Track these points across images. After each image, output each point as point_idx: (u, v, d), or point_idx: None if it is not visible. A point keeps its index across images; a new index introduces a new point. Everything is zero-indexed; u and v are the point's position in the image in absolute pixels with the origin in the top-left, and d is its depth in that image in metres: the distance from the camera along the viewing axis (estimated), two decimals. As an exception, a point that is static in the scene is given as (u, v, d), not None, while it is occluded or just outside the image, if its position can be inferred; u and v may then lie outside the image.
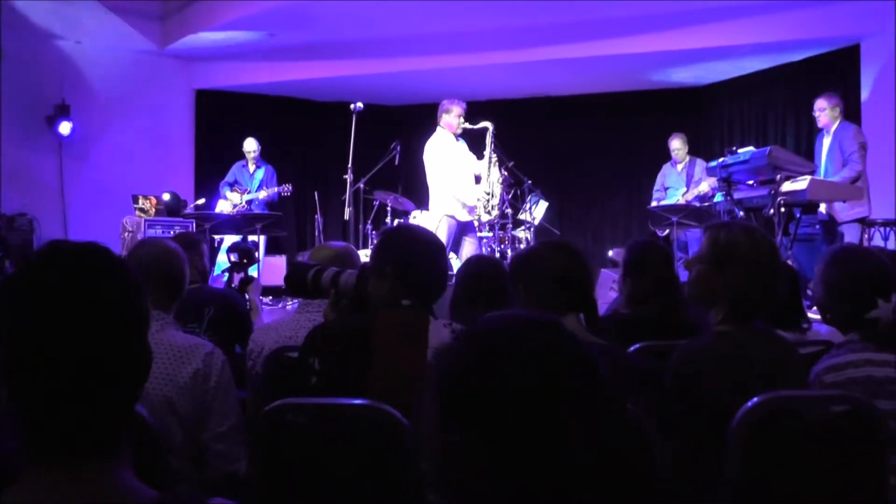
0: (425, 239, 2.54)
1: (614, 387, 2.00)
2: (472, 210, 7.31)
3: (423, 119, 12.43)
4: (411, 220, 9.12)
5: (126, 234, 8.53)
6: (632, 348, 2.72)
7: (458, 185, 7.27)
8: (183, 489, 2.29)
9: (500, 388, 1.05)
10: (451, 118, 7.28)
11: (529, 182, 8.74)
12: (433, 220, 7.18)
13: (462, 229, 7.30)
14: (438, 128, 7.39)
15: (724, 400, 2.15)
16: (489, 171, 7.34)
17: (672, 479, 2.13)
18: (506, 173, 7.52)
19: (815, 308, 6.66)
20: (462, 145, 7.44)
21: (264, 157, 9.82)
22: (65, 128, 9.83)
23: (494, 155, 7.39)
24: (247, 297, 4.26)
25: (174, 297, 2.74)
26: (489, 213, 7.34)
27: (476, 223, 7.43)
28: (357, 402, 2.10)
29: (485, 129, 7.36)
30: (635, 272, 3.40)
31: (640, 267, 3.40)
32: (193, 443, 2.44)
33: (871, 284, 2.42)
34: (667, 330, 3.07)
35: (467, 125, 7.30)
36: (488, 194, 7.29)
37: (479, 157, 7.49)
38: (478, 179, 7.43)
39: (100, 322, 1.11)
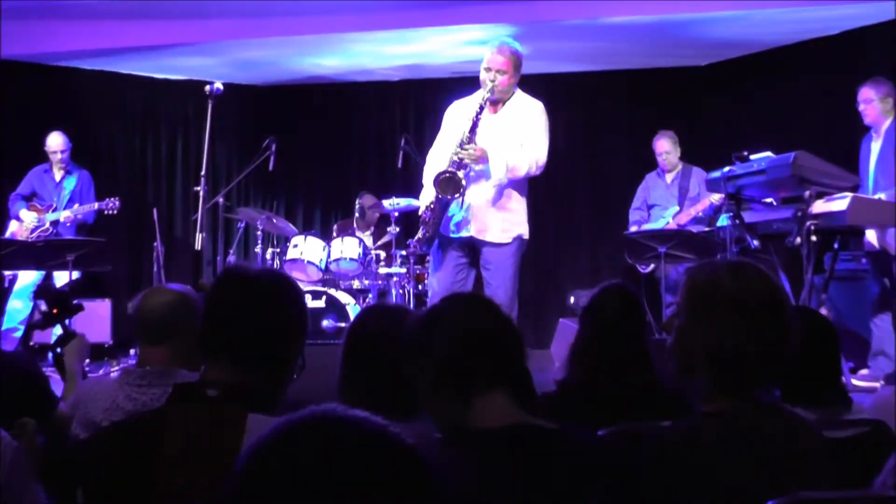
0: (259, 292, 2.45)
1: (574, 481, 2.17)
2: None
3: (311, 103, 12.23)
4: (292, 250, 8.81)
5: None
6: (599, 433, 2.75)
7: (427, 169, 6.57)
8: None
9: None
10: (482, 73, 6.47)
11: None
12: None
13: (442, 243, 6.47)
14: None
15: None
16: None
17: None
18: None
19: (860, 373, 6.76)
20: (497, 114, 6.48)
21: (78, 159, 9.59)
22: None
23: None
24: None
25: None
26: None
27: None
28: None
29: (480, 98, 6.41)
30: (585, 328, 3.65)
31: (591, 321, 3.62)
32: None
33: None
34: (635, 405, 3.20)
35: (486, 79, 6.35)
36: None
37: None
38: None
39: None
